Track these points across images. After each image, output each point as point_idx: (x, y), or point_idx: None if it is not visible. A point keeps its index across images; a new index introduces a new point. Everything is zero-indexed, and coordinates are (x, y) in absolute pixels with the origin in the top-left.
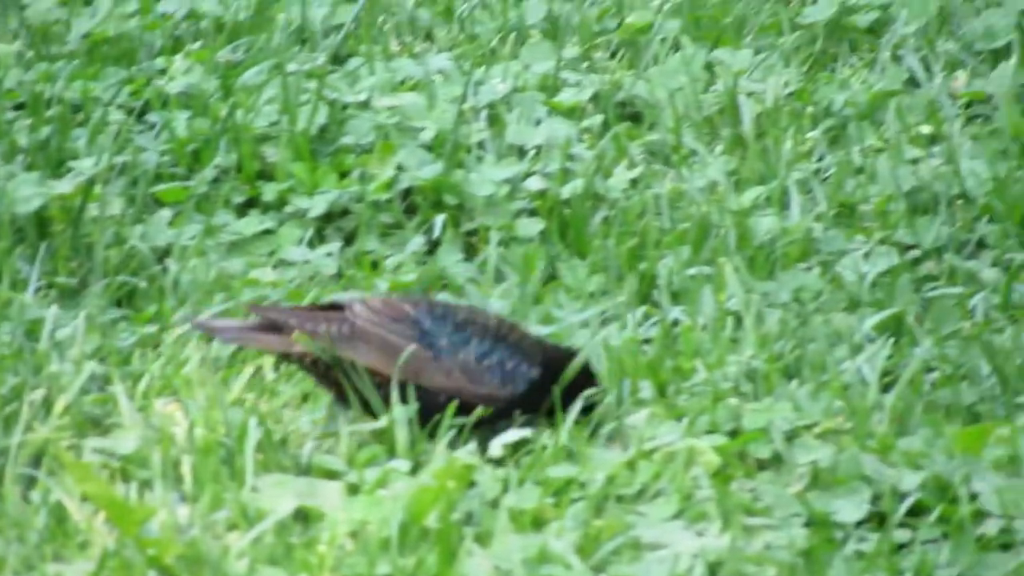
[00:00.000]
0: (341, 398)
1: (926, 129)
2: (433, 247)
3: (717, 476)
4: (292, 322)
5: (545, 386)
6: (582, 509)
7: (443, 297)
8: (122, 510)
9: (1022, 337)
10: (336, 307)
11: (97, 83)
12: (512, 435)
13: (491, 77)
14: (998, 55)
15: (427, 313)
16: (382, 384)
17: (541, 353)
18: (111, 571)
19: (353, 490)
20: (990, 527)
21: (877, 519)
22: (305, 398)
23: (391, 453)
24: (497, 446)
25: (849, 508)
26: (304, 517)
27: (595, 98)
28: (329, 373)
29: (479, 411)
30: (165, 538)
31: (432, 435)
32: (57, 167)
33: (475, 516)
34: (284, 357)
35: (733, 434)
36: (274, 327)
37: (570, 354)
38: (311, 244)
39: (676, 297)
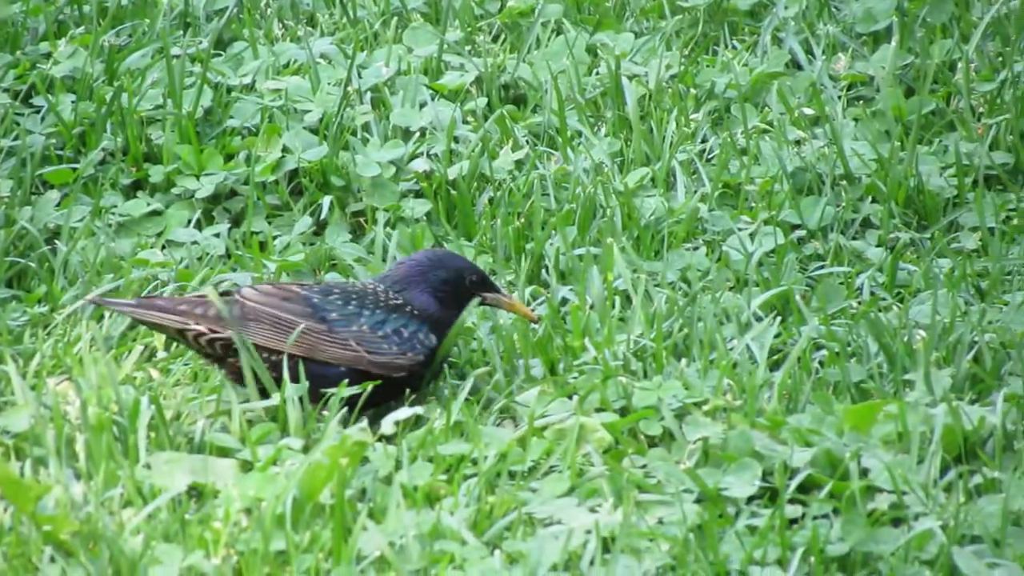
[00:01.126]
0: (237, 378)
1: (809, 111)
2: (321, 228)
3: (608, 453)
4: (182, 307)
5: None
6: (475, 485)
7: (331, 277)
8: (17, 487)
9: (908, 315)
10: (224, 293)
11: None
12: (403, 412)
13: (374, 60)
14: (878, 37)
15: (316, 291)
16: (278, 362)
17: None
18: (7, 547)
19: (247, 467)
20: (881, 502)
21: (768, 495)
22: (195, 376)
23: (284, 431)
24: (389, 423)
25: (740, 484)
26: (198, 494)
27: (478, 81)
28: (225, 352)
29: (371, 384)
30: (60, 515)
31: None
32: None
33: (368, 493)
34: (180, 335)
35: (623, 412)
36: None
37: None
38: (199, 225)
39: (564, 277)
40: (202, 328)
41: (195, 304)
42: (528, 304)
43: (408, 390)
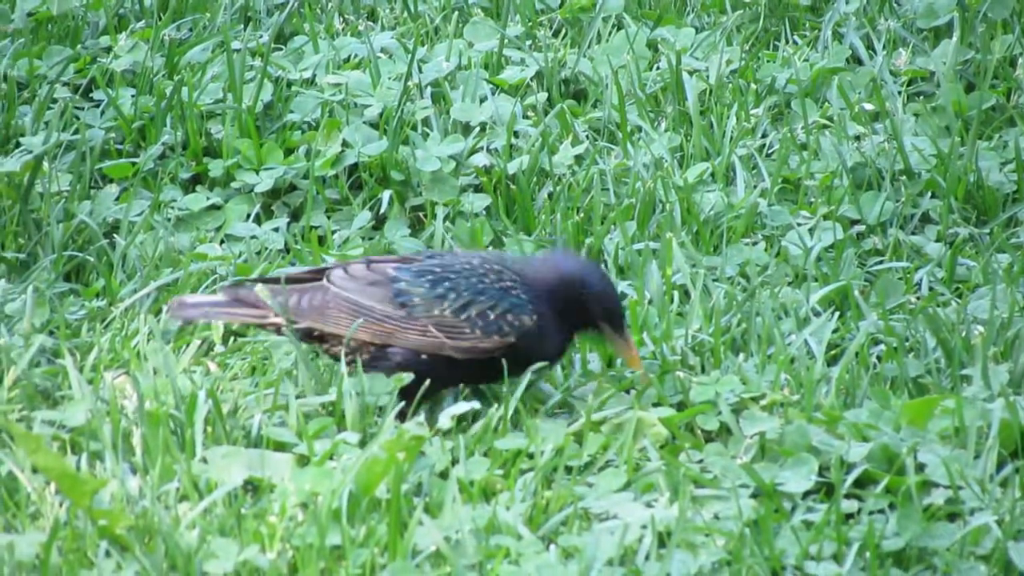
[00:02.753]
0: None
1: (869, 106)
2: (380, 223)
3: (665, 448)
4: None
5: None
6: (531, 480)
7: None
8: (73, 481)
9: (966, 310)
10: (319, 272)
11: (42, 61)
12: (461, 407)
13: (435, 55)
14: (939, 33)
15: (411, 272)
16: (361, 349)
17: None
18: (62, 541)
19: (303, 462)
20: (936, 497)
21: (824, 490)
22: (253, 370)
23: (341, 425)
24: (446, 418)
25: (796, 479)
26: (254, 489)
27: (539, 76)
28: (314, 340)
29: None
30: (116, 509)
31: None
32: (4, 144)
33: (424, 487)
34: (261, 328)
35: (680, 406)
36: (244, 303)
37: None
38: (258, 220)
39: (623, 271)
40: (281, 320)
41: (277, 292)
42: None
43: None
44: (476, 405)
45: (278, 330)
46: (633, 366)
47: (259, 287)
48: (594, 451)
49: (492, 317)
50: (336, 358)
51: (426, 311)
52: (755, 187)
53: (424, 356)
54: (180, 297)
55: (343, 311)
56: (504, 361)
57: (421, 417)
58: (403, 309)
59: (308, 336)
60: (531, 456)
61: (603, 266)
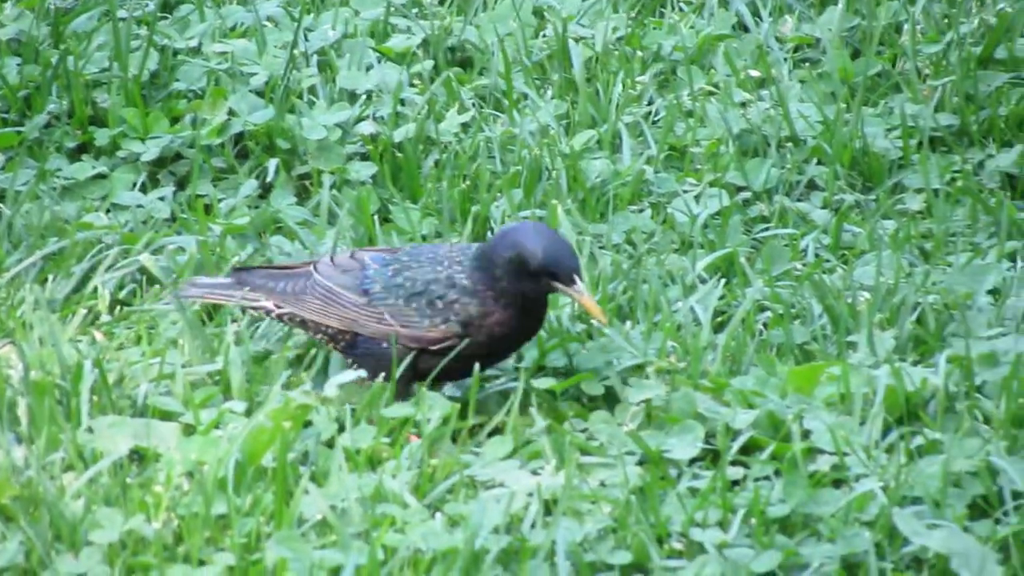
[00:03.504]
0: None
1: (755, 73)
2: (266, 191)
3: (551, 415)
4: (257, 280)
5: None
6: (417, 448)
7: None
8: None
9: (852, 277)
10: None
11: None
12: (347, 376)
13: (321, 23)
14: (825, 0)
15: (381, 261)
16: (334, 335)
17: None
18: None
19: (189, 431)
20: (822, 464)
21: (711, 457)
22: (139, 339)
23: (227, 394)
24: (332, 386)
25: (682, 446)
26: (140, 458)
27: (425, 44)
28: (297, 326)
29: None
30: (1, 479)
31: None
32: None
33: (311, 456)
34: (254, 311)
35: (567, 374)
36: (244, 285)
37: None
38: (144, 189)
39: None
40: (270, 304)
41: (269, 277)
42: None
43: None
44: (363, 374)
45: (268, 313)
46: (594, 315)
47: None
48: (480, 420)
49: (440, 306)
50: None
51: (383, 299)
52: (641, 154)
53: (385, 345)
54: (193, 278)
55: (316, 297)
56: (471, 355)
57: (307, 386)
58: (365, 296)
59: (291, 321)
60: (417, 424)
61: (545, 224)
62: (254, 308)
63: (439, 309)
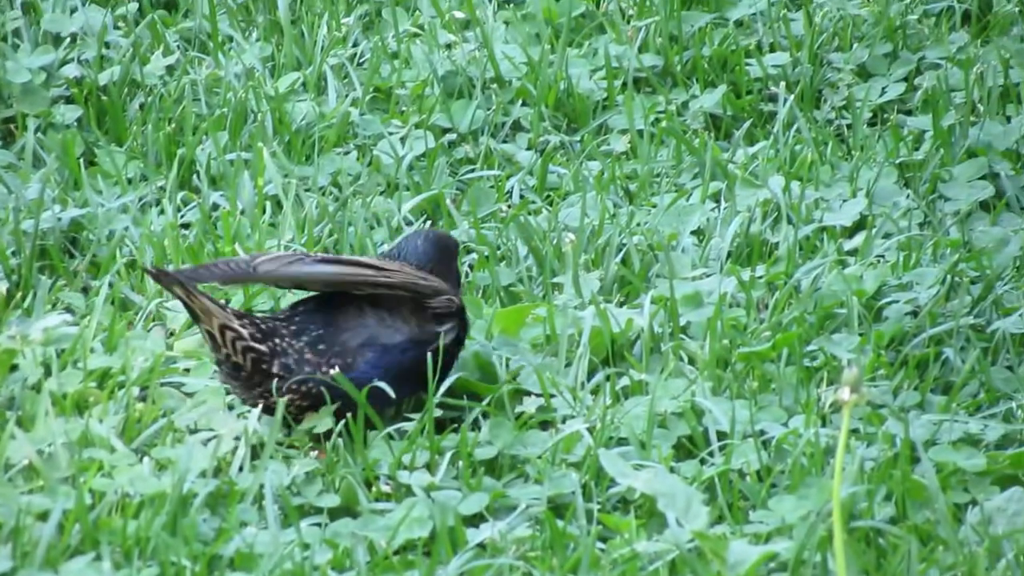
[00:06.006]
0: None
1: (460, 14)
2: None
3: None
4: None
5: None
6: (124, 394)
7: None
8: None
9: (558, 218)
10: None
11: None
12: (53, 319)
13: None
14: None
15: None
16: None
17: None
18: None
19: None
20: (529, 405)
21: (413, 401)
22: None
23: None
24: (38, 330)
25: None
26: None
27: None
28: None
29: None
30: None
31: None
32: None
33: (17, 400)
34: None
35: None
36: None
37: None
38: None
39: (215, 183)
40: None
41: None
42: (179, 211)
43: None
44: (68, 317)
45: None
46: None
47: None
48: (187, 366)
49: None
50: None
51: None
52: (347, 96)
53: None
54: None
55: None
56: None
57: (13, 330)
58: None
59: None
60: (124, 371)
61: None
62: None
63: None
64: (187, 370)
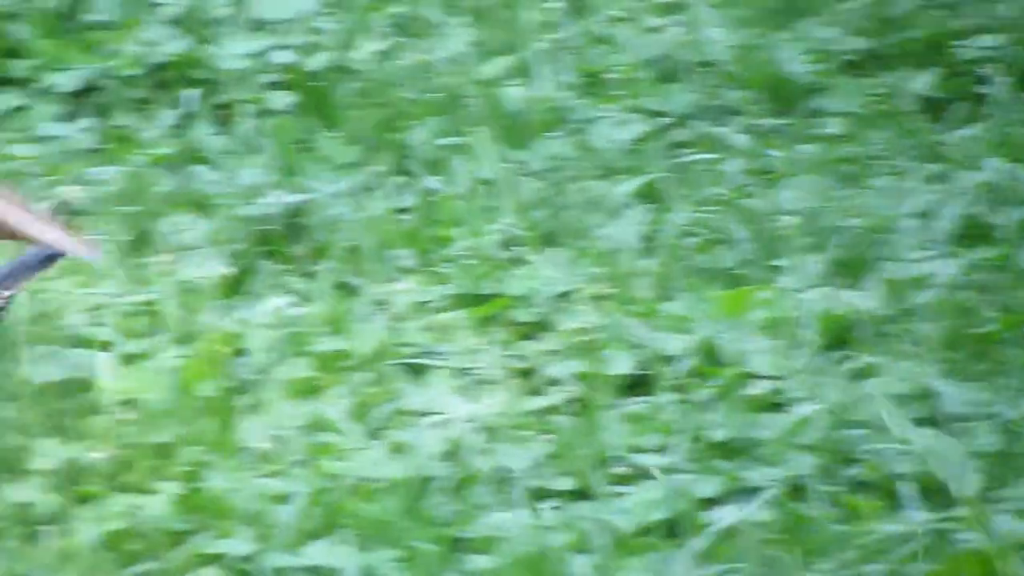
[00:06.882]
0: None
1: None
2: (187, 121)
3: (486, 341)
4: None
5: None
6: (353, 378)
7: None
8: None
9: (777, 200)
10: None
11: None
12: (278, 303)
13: None
14: None
15: None
16: None
17: None
18: None
19: (127, 360)
20: (758, 388)
21: (645, 383)
22: (71, 270)
23: (159, 324)
24: (263, 314)
25: (616, 371)
26: (75, 388)
27: None
28: None
29: None
30: None
31: None
32: None
33: (247, 385)
34: None
35: (496, 300)
36: None
37: None
38: (66, 120)
39: (431, 167)
40: None
41: None
42: (396, 195)
43: None
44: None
45: None
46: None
47: None
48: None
49: None
50: None
51: None
52: (557, 80)
53: None
54: None
55: None
56: None
57: (241, 314)
58: None
59: None
60: (350, 354)
61: None
62: None
63: None
64: (417, 353)
